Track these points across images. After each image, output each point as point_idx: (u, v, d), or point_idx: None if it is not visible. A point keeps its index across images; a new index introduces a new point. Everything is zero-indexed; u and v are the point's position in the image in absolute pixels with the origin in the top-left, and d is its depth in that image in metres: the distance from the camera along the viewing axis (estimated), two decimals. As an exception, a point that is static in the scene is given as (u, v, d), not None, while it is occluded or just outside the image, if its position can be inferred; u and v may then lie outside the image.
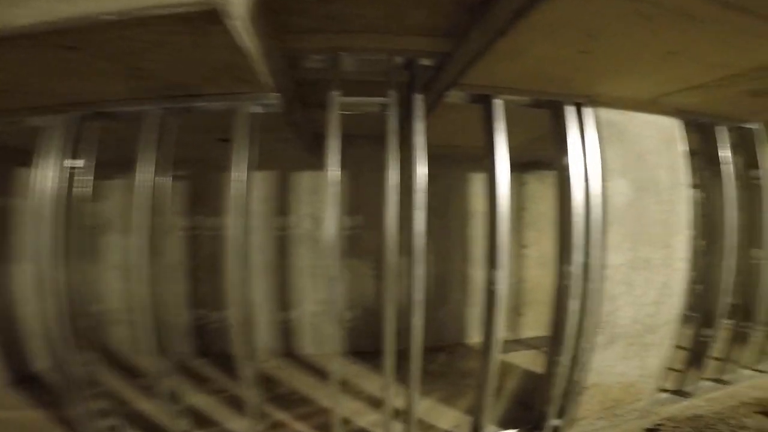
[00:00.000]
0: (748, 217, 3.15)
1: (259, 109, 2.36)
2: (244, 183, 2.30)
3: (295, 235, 4.31)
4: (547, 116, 2.56)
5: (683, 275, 2.62)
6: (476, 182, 4.72)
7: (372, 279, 4.32)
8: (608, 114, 2.51)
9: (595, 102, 2.48)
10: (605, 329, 2.52)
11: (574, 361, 2.54)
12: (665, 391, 3.14)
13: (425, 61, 2.43)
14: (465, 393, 3.27)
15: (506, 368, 3.89)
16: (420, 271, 2.23)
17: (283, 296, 4.33)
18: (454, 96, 2.43)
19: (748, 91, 2.28)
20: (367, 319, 4.32)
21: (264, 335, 4.27)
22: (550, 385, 2.59)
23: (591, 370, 2.57)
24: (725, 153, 2.91)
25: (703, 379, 3.21)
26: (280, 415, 2.98)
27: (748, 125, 3.10)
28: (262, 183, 4.25)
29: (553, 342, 2.58)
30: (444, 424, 2.86)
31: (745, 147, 3.17)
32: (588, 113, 2.48)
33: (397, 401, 2.49)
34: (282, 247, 4.32)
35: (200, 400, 3.19)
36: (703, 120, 2.90)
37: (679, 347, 3.15)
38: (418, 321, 2.29)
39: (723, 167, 2.88)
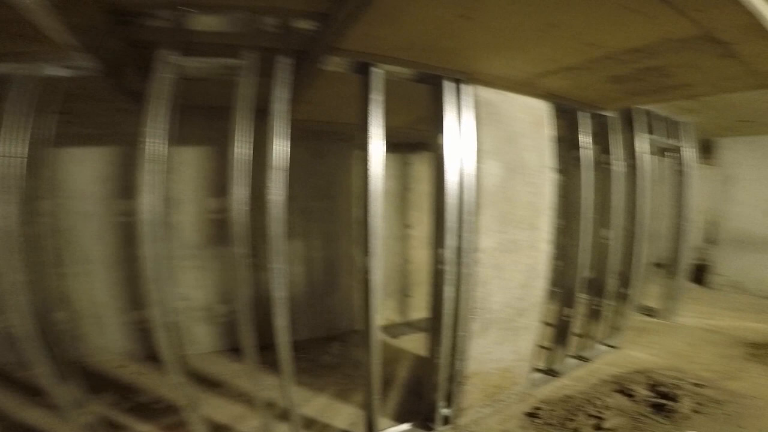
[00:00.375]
0: (603, 199, 3.46)
1: (63, 73, 1.89)
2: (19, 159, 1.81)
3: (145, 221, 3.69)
4: (428, 92, 2.44)
5: (547, 257, 2.73)
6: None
7: (250, 268, 3.91)
8: (486, 93, 2.45)
9: (475, 79, 2.39)
10: (480, 315, 2.51)
11: (454, 349, 2.50)
12: (538, 370, 3.29)
13: (302, 24, 2.13)
14: (361, 385, 3.13)
15: (398, 354, 3.85)
16: (280, 263, 1.96)
17: (136, 293, 3.72)
18: (332, 63, 2.16)
19: (611, 77, 2.38)
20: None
21: (116, 337, 3.64)
22: (435, 375, 2.53)
23: (470, 358, 2.54)
24: (585, 139, 3.10)
25: (568, 356, 3.44)
26: (143, 428, 2.56)
27: (605, 113, 3.35)
28: (99, 160, 3.49)
29: (431, 330, 2.50)
30: (340, 423, 2.68)
31: (601, 134, 3.44)
32: (466, 91, 2.40)
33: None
34: (129, 236, 3.69)
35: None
36: (569, 106, 3.05)
37: (547, 324, 3.33)
38: (281, 321, 2.03)
39: (582, 152, 3.07)
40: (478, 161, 2.36)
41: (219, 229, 3.66)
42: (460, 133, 2.37)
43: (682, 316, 4.75)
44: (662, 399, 2.79)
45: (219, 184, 3.72)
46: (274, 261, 1.93)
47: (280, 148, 1.96)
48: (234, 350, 3.65)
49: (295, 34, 2.21)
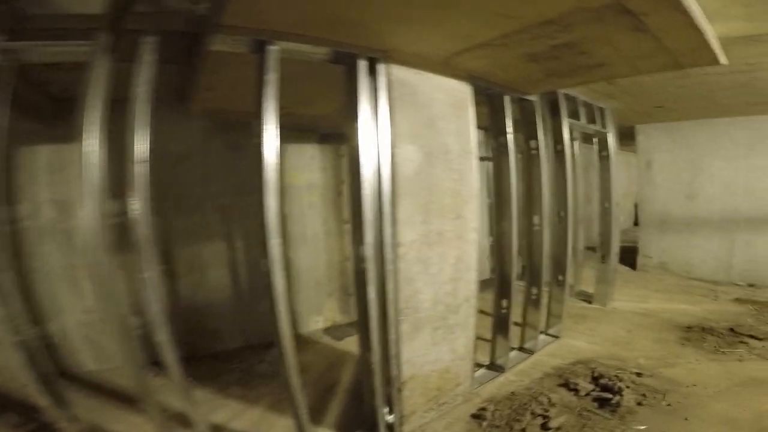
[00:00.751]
0: (533, 186, 3.39)
1: None
2: None
3: (34, 229, 3.20)
4: (342, 73, 2.21)
5: (476, 247, 2.59)
6: (291, 154, 4.25)
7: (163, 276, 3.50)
8: (402, 72, 2.25)
9: (391, 58, 2.19)
10: (409, 315, 2.31)
11: (386, 354, 2.29)
12: (481, 366, 3.17)
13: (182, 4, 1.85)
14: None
15: (342, 358, 3.65)
16: (151, 272, 1.64)
17: (33, 308, 3.20)
18: (219, 42, 1.88)
19: (527, 54, 2.28)
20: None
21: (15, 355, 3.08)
22: (371, 382, 2.30)
23: (406, 361, 2.34)
24: (509, 123, 3.00)
25: (512, 348, 3.35)
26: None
27: (529, 97, 3.29)
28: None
29: (361, 335, 2.27)
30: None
31: (527, 119, 3.38)
32: (381, 71, 2.19)
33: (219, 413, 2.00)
34: (16, 245, 3.16)
35: None
36: (493, 89, 2.94)
37: (488, 314, 3.22)
38: (163, 337, 1.71)
39: (507, 137, 2.97)
40: (394, 146, 2.16)
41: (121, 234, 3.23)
42: (376, 117, 2.16)
43: (617, 301, 4.86)
44: (606, 392, 2.74)
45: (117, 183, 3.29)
46: (144, 270, 1.60)
47: (143, 139, 1.63)
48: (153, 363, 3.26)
49: (179, 13, 1.93)
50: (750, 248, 5.39)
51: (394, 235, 2.15)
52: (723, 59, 2.23)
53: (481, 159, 3.19)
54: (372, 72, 2.19)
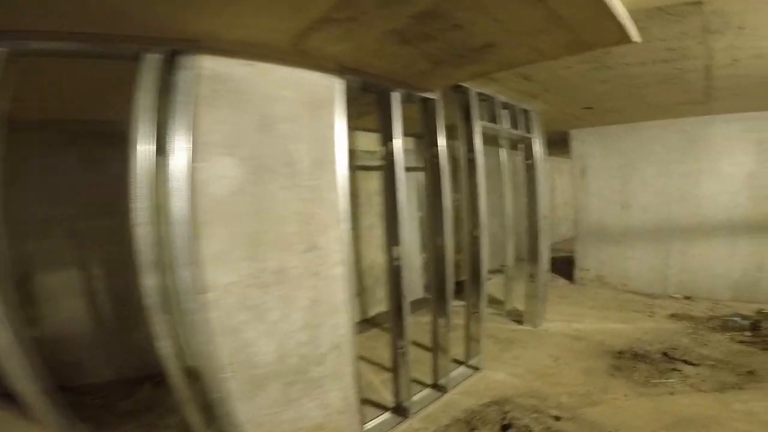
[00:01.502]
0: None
1: None
2: None
3: None
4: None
5: (343, 283, 2.00)
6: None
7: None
8: (221, 65, 1.67)
9: (205, 48, 1.62)
10: (238, 372, 1.69)
11: (210, 415, 1.67)
12: (384, 408, 2.73)
13: None
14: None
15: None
16: None
17: None
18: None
19: (392, 32, 1.73)
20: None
21: None
22: None
23: (248, 422, 1.76)
24: (398, 126, 2.45)
25: (425, 385, 2.94)
26: None
27: (430, 95, 2.75)
28: None
29: (176, 394, 1.65)
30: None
31: (426, 121, 2.84)
32: (187, 64, 1.59)
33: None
34: None
35: None
36: (380, 85, 2.39)
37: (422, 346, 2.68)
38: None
39: (395, 144, 2.42)
40: (197, 159, 1.54)
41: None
42: (173, 123, 1.52)
43: (550, 321, 4.46)
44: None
45: None
46: None
47: None
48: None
49: None
50: (685, 258, 5.15)
51: (197, 277, 1.51)
52: (635, 35, 1.77)
53: (407, 170, 2.70)
54: (174, 67, 1.57)
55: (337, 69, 2.06)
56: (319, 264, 1.87)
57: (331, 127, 1.98)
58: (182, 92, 1.56)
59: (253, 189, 1.66)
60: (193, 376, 1.62)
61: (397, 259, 2.42)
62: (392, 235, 2.43)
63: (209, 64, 1.63)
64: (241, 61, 1.73)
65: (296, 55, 1.86)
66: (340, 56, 1.98)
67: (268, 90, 1.78)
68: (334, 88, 2.04)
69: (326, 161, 1.92)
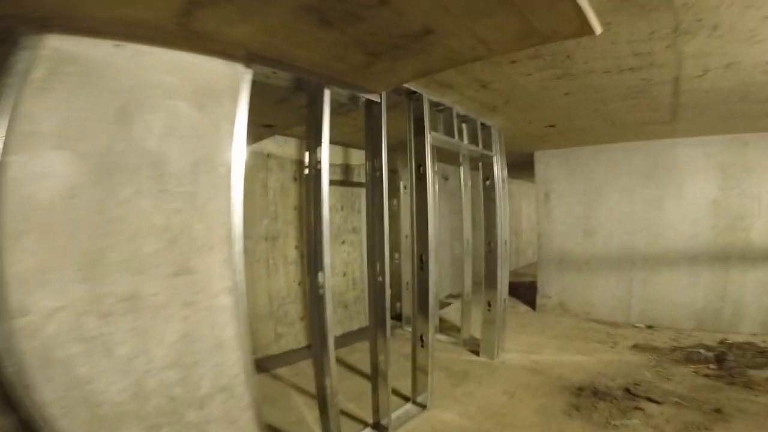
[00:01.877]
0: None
1: None
2: None
3: None
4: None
5: (231, 314, 1.58)
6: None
7: None
8: (74, 46, 1.31)
9: (58, 27, 1.25)
10: (75, 410, 1.26)
11: None
12: None
13: None
14: None
15: None
16: None
17: None
18: None
19: (307, 9, 1.38)
20: None
21: None
22: None
23: None
24: (326, 129, 2.08)
25: (358, 421, 2.61)
26: None
27: (371, 97, 2.41)
28: None
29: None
30: None
31: (370, 127, 2.50)
32: (28, 44, 1.23)
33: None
34: None
35: None
36: (308, 80, 2.03)
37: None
38: None
39: (322, 151, 2.04)
40: (10, 152, 1.12)
41: None
42: None
43: (508, 351, 4.13)
44: None
45: None
46: None
47: None
48: None
49: None
50: (648, 287, 4.96)
51: (1, 298, 1.08)
52: (596, 24, 1.49)
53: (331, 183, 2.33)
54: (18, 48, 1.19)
55: (244, 57, 1.70)
56: (194, 292, 1.46)
57: (229, 122, 1.60)
58: (14, 75, 1.17)
59: (96, 193, 1.26)
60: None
61: (321, 287, 2.03)
62: (315, 260, 2.04)
63: (55, 44, 1.24)
64: (110, 42, 1.35)
65: (188, 38, 1.49)
66: (247, 41, 1.63)
67: (139, 75, 1.40)
68: (238, 78, 1.68)
69: (213, 163, 1.53)
